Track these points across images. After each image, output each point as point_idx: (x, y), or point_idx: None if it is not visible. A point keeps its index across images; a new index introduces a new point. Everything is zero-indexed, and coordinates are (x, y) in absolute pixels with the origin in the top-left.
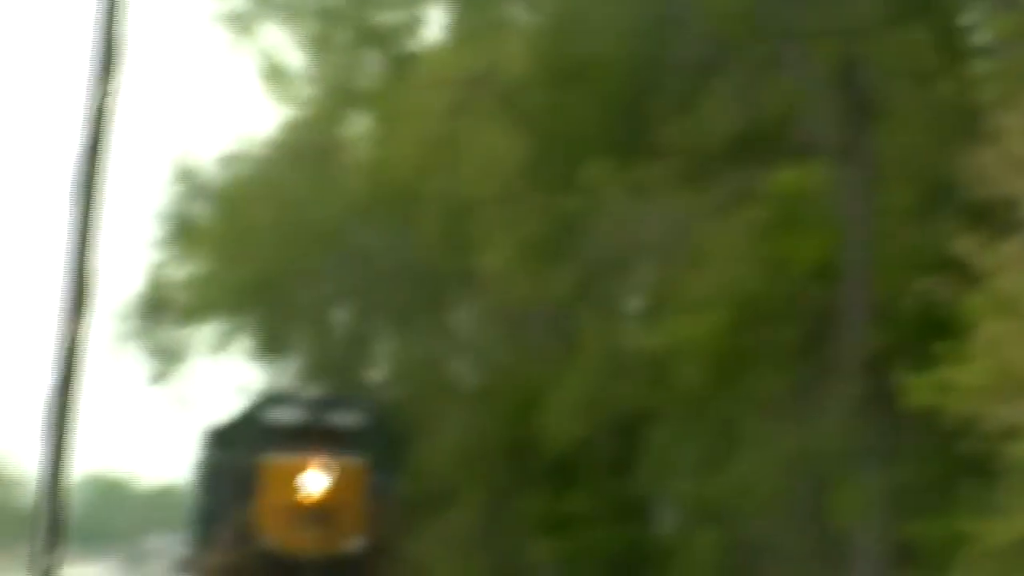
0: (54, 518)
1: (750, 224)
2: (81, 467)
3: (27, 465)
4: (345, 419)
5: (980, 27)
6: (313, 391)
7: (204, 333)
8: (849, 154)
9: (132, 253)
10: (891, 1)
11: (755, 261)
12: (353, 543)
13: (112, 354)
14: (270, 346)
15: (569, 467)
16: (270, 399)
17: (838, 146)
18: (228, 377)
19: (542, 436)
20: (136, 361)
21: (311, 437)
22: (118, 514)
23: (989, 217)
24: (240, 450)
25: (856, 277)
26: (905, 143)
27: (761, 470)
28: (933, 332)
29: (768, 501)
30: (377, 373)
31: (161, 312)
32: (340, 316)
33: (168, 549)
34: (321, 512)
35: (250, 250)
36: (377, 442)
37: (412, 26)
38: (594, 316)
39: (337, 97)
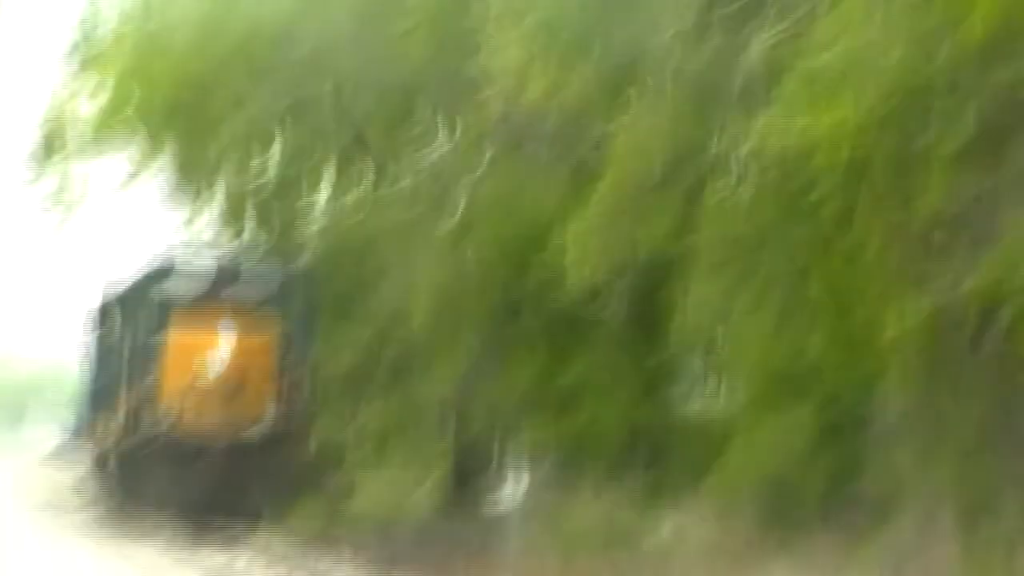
0: None
1: None
2: None
3: None
4: (252, 289)
5: None
6: (229, 245)
7: (109, 168)
8: None
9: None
10: None
11: (905, 26)
12: (259, 427)
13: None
14: (185, 186)
15: (575, 326)
16: (168, 266)
17: None
18: (133, 228)
19: (541, 286)
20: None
21: (214, 309)
22: None
23: None
24: (134, 324)
25: None
26: None
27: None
28: None
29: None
30: (317, 219)
31: (61, 148)
32: (275, 148)
33: (50, 436)
34: (224, 392)
35: (164, 63)
36: (288, 313)
37: None
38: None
39: None
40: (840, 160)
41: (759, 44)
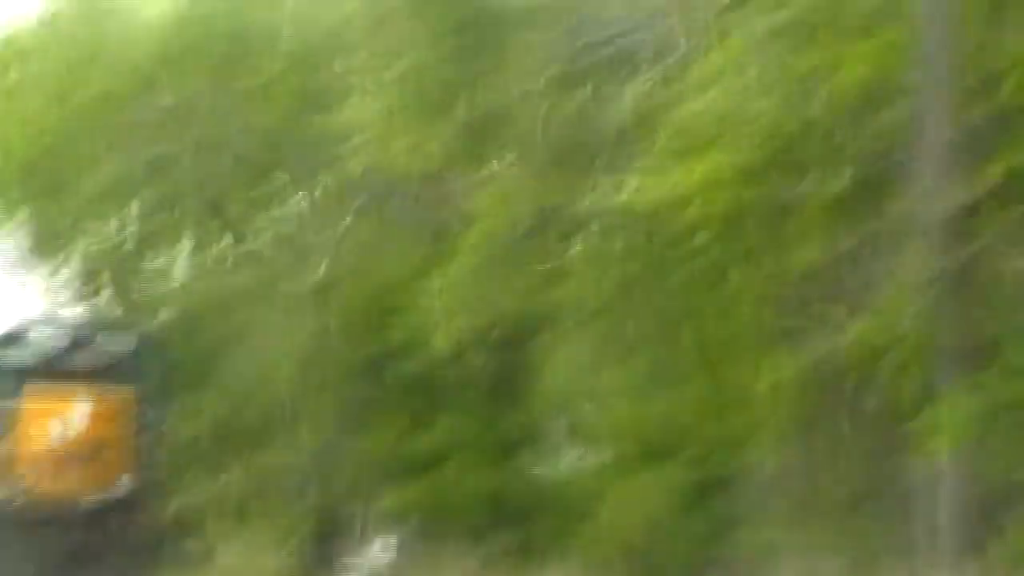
0: None
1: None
2: None
3: None
4: (106, 354)
5: None
6: (78, 310)
7: None
8: None
9: None
10: None
11: (777, 78)
12: (111, 494)
13: None
14: (39, 249)
15: (436, 388)
16: (21, 332)
17: None
18: None
19: (402, 348)
20: None
21: (66, 375)
22: None
23: None
24: None
25: (937, 94)
26: None
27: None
28: None
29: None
30: (173, 281)
31: None
32: (131, 208)
33: None
34: (75, 459)
35: (17, 123)
36: (143, 378)
37: None
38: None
39: None
40: (711, 212)
41: (628, 96)
